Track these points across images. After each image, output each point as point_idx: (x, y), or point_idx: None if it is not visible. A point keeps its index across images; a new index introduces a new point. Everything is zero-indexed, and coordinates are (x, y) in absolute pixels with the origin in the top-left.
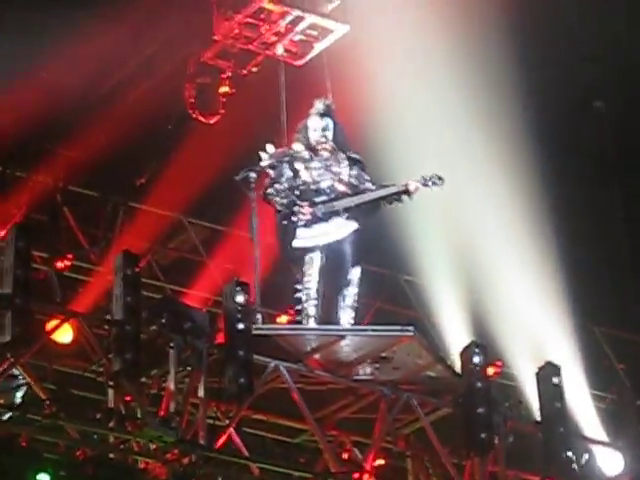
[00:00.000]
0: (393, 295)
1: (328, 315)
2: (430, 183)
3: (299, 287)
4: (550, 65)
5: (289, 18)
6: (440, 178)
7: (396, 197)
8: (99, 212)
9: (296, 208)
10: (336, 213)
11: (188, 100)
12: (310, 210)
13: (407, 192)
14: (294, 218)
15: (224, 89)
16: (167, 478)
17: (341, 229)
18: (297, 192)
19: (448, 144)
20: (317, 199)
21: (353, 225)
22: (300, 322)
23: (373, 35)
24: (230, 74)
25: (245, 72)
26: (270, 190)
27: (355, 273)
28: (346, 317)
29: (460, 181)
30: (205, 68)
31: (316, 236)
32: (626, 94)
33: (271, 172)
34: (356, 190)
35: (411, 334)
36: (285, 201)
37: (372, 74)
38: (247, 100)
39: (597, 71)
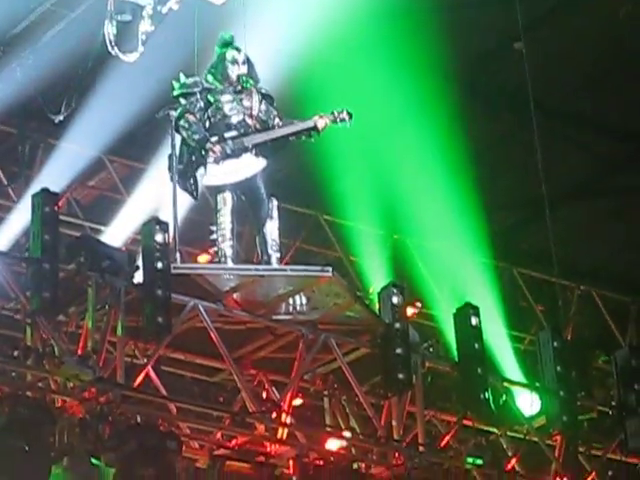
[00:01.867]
0: (313, 235)
1: (247, 254)
2: (339, 120)
3: (214, 228)
4: (469, 5)
5: None
6: (349, 114)
7: (305, 134)
8: (18, 149)
9: (207, 145)
10: (245, 149)
11: (107, 38)
12: (219, 147)
13: (315, 129)
14: (204, 154)
15: (144, 27)
16: (84, 416)
17: (251, 166)
18: (207, 124)
19: (365, 84)
20: (227, 134)
21: (262, 162)
22: (218, 262)
23: None
24: (150, 12)
25: (165, 10)
26: (182, 122)
27: (274, 206)
28: (274, 250)
29: (380, 121)
30: (125, 5)
31: (226, 173)
32: (546, 35)
33: (183, 101)
34: (265, 125)
35: (329, 274)
36: (196, 137)
37: (290, 13)
38: (168, 38)
39: (517, 11)
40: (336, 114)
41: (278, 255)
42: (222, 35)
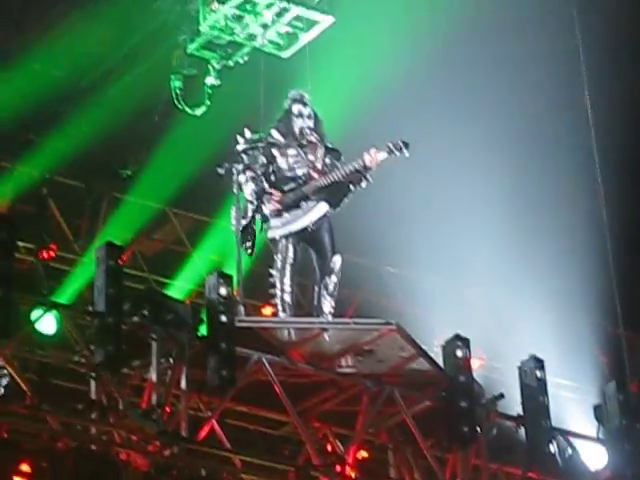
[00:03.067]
0: (377, 287)
1: (311, 306)
2: (395, 150)
3: (274, 279)
4: (535, 62)
5: (275, 9)
6: (405, 143)
7: (358, 175)
8: (84, 203)
9: (265, 197)
10: (305, 198)
11: (174, 91)
12: (279, 198)
13: (364, 167)
14: (265, 209)
15: (210, 80)
16: (149, 470)
17: (312, 212)
18: (272, 178)
19: (432, 138)
20: (287, 187)
21: (324, 206)
22: (280, 314)
23: (355, 25)
24: (216, 65)
25: (231, 64)
26: (242, 177)
27: (336, 261)
28: (327, 306)
29: (445, 174)
30: (191, 59)
31: (288, 223)
32: (610, 91)
33: (245, 158)
34: None
35: (394, 327)
36: (255, 192)
37: (353, 65)
38: (233, 91)
39: (578, 68)
40: (390, 145)
41: (331, 310)
42: (291, 91)
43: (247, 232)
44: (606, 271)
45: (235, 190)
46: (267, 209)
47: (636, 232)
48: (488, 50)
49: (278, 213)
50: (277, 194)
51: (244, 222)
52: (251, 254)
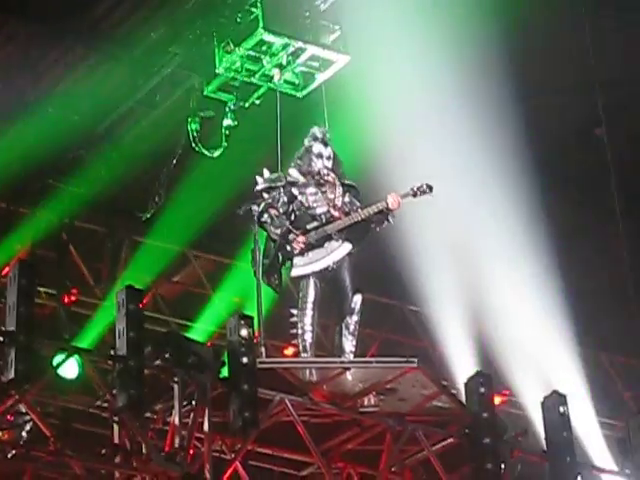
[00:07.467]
0: (399, 325)
1: (332, 346)
2: (418, 192)
3: (296, 318)
4: (550, 92)
5: (290, 50)
6: (429, 186)
7: (381, 216)
8: (103, 247)
9: (291, 236)
10: (329, 237)
11: (191, 134)
12: (303, 238)
13: (387, 208)
14: (288, 247)
15: (227, 122)
16: None
17: (335, 252)
18: (292, 217)
19: (449, 174)
20: (310, 225)
21: (347, 247)
22: (300, 354)
23: (371, 64)
24: (232, 107)
25: (247, 105)
26: (265, 217)
27: (357, 300)
28: (349, 345)
29: (463, 211)
30: (207, 102)
31: (311, 262)
32: (628, 121)
33: (266, 196)
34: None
35: (415, 365)
36: (279, 230)
37: (370, 104)
38: (250, 132)
39: (598, 98)
40: (415, 188)
41: (352, 349)
42: (313, 128)
43: (272, 270)
44: (629, 303)
45: (254, 230)
46: (290, 247)
47: None
48: (510, 85)
49: (301, 252)
50: (300, 232)
51: (266, 261)
52: (278, 291)
